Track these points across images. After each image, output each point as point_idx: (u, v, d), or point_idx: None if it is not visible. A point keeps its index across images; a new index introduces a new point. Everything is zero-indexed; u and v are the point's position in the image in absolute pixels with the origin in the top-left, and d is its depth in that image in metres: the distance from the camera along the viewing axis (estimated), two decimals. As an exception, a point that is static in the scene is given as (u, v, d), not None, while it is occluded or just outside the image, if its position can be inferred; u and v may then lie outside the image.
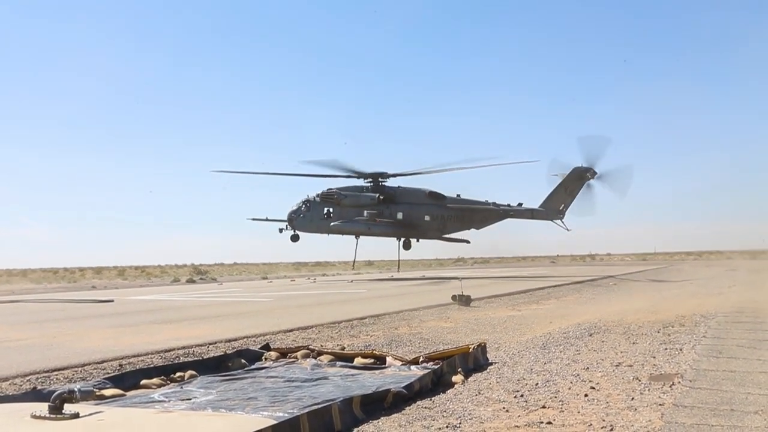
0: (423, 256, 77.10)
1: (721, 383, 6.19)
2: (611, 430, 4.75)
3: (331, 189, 35.46)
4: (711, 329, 10.17)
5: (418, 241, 36.38)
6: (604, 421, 4.99)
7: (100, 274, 64.53)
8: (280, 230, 36.76)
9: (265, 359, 8.35)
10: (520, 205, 35.54)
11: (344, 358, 8.12)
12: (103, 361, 8.50)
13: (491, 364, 7.81)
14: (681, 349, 8.30)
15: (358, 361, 7.94)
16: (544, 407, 5.53)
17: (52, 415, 4.90)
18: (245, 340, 10.44)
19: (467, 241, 36.68)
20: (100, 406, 5.63)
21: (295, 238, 36.65)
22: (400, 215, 34.86)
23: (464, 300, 16.35)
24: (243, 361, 8.10)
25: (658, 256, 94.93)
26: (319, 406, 5.24)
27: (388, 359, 7.93)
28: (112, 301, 21.87)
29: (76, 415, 4.93)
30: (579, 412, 5.31)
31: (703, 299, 16.42)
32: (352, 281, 35.10)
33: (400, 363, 7.76)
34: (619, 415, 5.15)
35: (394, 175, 34.73)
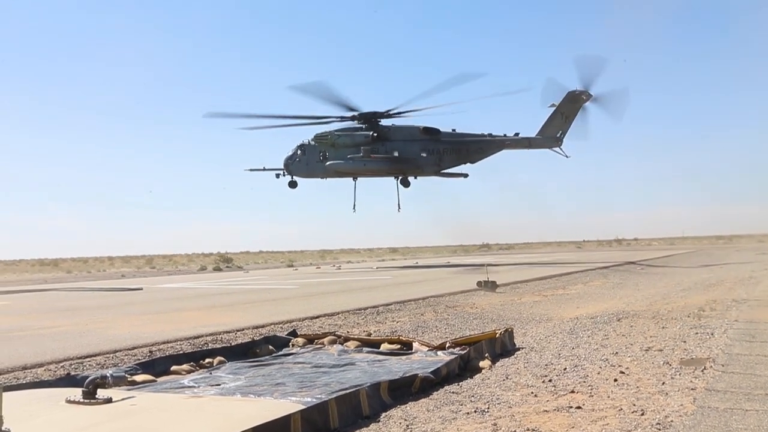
0: (448, 243, 76.95)
1: (754, 367, 6.07)
2: (642, 414, 4.70)
3: (324, 131, 35.13)
4: (743, 313, 9.99)
5: (415, 178, 35.93)
6: (634, 405, 4.94)
7: (128, 263, 65.64)
8: (277, 176, 36.39)
9: (293, 345, 8.41)
10: (516, 135, 34.89)
11: (371, 344, 8.14)
12: (133, 348, 8.63)
13: (518, 349, 7.77)
14: (712, 334, 8.17)
15: (384, 346, 7.96)
16: (572, 392, 5.49)
17: (85, 400, 4.99)
18: (272, 326, 10.52)
19: (465, 175, 35.88)
20: (132, 391, 5.72)
21: (292, 184, 36.39)
22: (395, 153, 34.46)
23: (490, 286, 16.28)
24: (270, 347, 8.17)
25: (686, 240, 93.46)
26: (347, 391, 5.26)
27: (415, 345, 7.92)
28: (142, 289, 22.20)
29: (108, 400, 5.02)
30: (609, 397, 5.26)
31: (734, 284, 16.13)
32: (377, 268, 35.13)
33: (427, 348, 7.75)
34: (650, 400, 5.08)
35: (388, 115, 34.27)
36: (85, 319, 12.37)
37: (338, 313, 12.17)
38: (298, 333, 9.10)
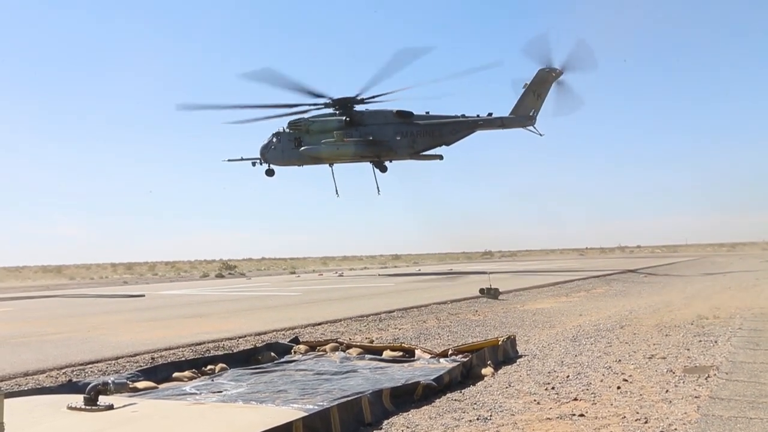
0: (450, 250, 76.88)
1: (759, 375, 6.04)
2: (646, 422, 4.67)
3: (298, 118, 35.16)
4: (747, 321, 9.95)
5: (390, 162, 35.90)
6: (638, 413, 4.91)
7: (131, 269, 65.68)
8: (253, 164, 36.49)
9: (295, 352, 8.39)
10: (490, 115, 34.93)
11: (373, 351, 8.12)
12: (135, 355, 8.63)
13: (521, 356, 7.74)
14: (716, 341, 8.13)
15: (386, 354, 7.94)
16: (575, 399, 5.46)
17: (87, 407, 4.98)
18: (274, 333, 10.50)
19: (440, 157, 35.88)
20: (134, 398, 5.72)
21: (270, 172, 36.44)
22: (369, 137, 34.50)
23: (492, 293, 16.25)
24: (272, 354, 8.15)
25: (689, 248, 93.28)
26: (349, 398, 5.24)
27: (417, 352, 7.90)
28: (144, 296, 22.20)
29: (110, 407, 5.01)
30: (612, 405, 5.23)
31: (738, 291, 16.08)
32: (379, 275, 35.10)
33: (429, 356, 7.73)
34: (654, 408, 5.06)
35: (361, 100, 34.30)
36: (87, 326, 12.37)
37: (340, 320, 12.15)
38: (300, 340, 9.08)
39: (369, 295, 19.14)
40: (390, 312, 13.40)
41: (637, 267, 34.10)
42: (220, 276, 42.97)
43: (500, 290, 16.64)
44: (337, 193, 36.60)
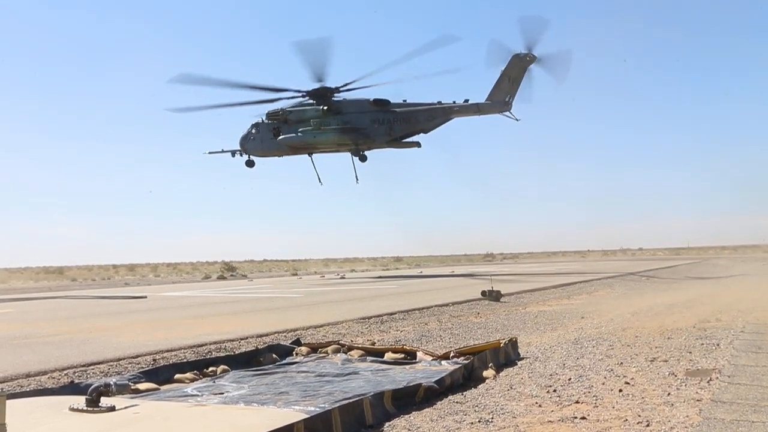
0: (452, 252, 76.88)
1: (761, 379, 6.03)
2: (648, 425, 4.66)
3: (276, 108, 35.39)
4: (749, 324, 9.93)
5: (369, 149, 36.02)
6: (639, 416, 4.90)
7: (133, 271, 65.74)
8: (233, 154, 36.81)
9: (296, 354, 8.39)
10: (466, 101, 35.07)
11: (375, 353, 8.12)
12: (137, 356, 8.63)
13: (523, 359, 7.73)
14: (718, 345, 8.12)
15: (388, 356, 7.93)
16: (577, 402, 5.45)
17: (89, 408, 4.99)
18: (276, 335, 10.51)
19: (418, 144, 36.03)
20: (135, 399, 5.72)
21: (250, 163, 36.71)
22: (346, 125, 34.75)
23: (494, 295, 16.24)
24: (274, 356, 8.15)
25: (691, 250, 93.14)
26: (351, 400, 5.24)
27: (419, 354, 7.90)
28: (146, 297, 22.22)
29: (112, 408, 5.01)
30: (614, 407, 5.22)
31: (741, 294, 16.06)
32: (381, 277, 35.10)
33: (431, 358, 7.72)
34: (656, 411, 5.05)
35: (338, 90, 34.51)
36: (88, 327, 12.39)
37: (342, 322, 12.15)
38: (302, 342, 9.08)
39: (371, 297, 19.14)
40: (392, 314, 13.40)
41: (640, 269, 34.06)
42: (221, 277, 42.99)
43: (502, 293, 16.63)
44: (320, 181, 36.96)
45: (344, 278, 35.53)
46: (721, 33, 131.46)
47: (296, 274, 45.83)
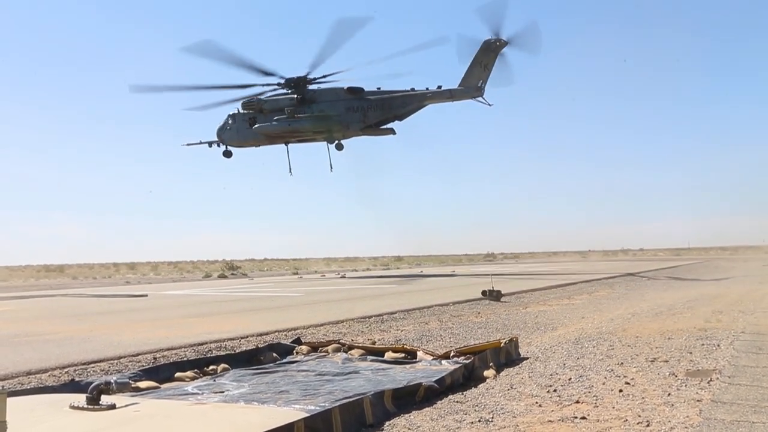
0: (453, 251, 76.82)
1: (761, 379, 6.03)
2: (648, 425, 4.66)
3: (251, 98, 35.61)
4: (750, 325, 9.93)
5: (344, 137, 36.15)
6: (640, 416, 4.90)
7: (134, 269, 65.79)
8: (210, 145, 37.06)
9: (297, 353, 8.40)
10: (439, 87, 35.28)
11: (375, 353, 8.12)
12: (138, 354, 8.64)
13: (523, 359, 7.73)
14: (718, 345, 8.11)
15: (388, 355, 7.94)
16: (577, 402, 5.45)
17: (89, 406, 4.99)
18: (276, 334, 10.51)
19: (392, 131, 36.20)
20: (136, 397, 5.72)
21: (227, 154, 37.04)
22: (321, 113, 34.98)
23: (495, 295, 16.24)
24: (274, 354, 8.16)
25: (692, 251, 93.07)
26: (351, 399, 5.24)
27: (419, 353, 7.90)
28: (146, 295, 22.24)
29: (112, 406, 5.02)
30: (614, 408, 5.22)
31: (742, 295, 16.04)
32: (381, 276, 35.10)
33: (431, 357, 7.72)
34: (656, 411, 5.05)
35: (314, 79, 34.69)
36: (89, 325, 12.40)
37: (342, 321, 12.15)
38: (302, 341, 9.09)
39: (371, 296, 19.14)
40: (392, 313, 13.40)
41: (640, 270, 34.05)
42: (222, 276, 43.02)
43: (502, 292, 16.63)
44: (290, 171, 37.18)
45: (345, 277, 35.55)
46: (721, 33, 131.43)
47: (297, 274, 45.85)
